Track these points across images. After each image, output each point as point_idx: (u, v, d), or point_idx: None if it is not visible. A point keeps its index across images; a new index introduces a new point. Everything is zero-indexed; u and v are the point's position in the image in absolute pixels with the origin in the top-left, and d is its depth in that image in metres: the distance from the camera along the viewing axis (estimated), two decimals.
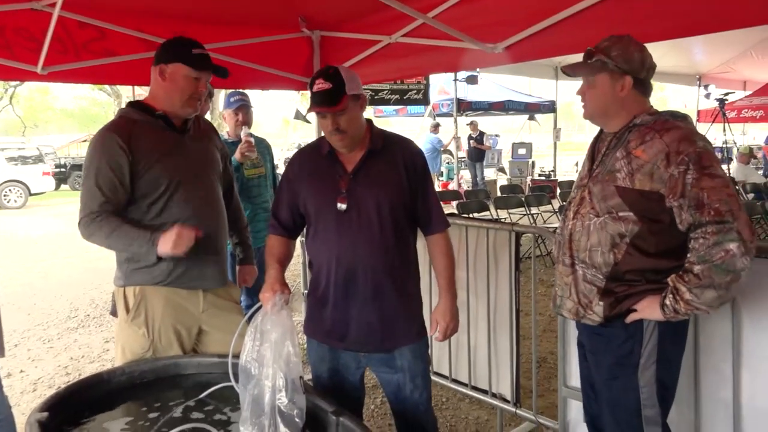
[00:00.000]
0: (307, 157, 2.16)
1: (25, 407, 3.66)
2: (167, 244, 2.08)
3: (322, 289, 2.09)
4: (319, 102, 1.94)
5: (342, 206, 1.99)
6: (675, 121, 1.86)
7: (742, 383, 2.17)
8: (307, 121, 12.43)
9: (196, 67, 2.20)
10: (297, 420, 1.73)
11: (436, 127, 14.19)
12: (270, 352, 1.78)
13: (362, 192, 2.00)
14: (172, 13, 3.37)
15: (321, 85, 1.91)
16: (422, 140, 13.48)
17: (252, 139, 3.61)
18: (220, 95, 7.79)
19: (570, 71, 2.01)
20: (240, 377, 1.81)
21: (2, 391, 2.57)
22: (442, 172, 15.68)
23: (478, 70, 10.67)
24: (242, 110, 3.69)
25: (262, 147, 3.86)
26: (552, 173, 13.76)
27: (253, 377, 1.78)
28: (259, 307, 1.94)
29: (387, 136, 2.10)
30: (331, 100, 1.91)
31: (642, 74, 1.92)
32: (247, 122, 3.71)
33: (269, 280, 2.05)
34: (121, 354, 2.28)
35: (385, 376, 2.14)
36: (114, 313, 2.40)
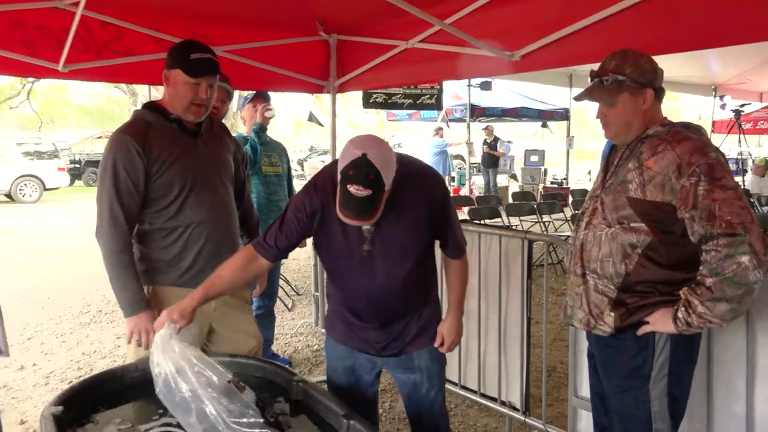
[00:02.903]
0: (329, 189, 1.93)
1: (37, 400, 3.69)
2: (133, 326, 2.21)
3: (341, 309, 2.11)
4: (356, 214, 1.76)
5: (366, 248, 1.94)
6: (688, 132, 1.85)
7: (755, 399, 2.16)
8: (320, 124, 12.46)
9: (192, 73, 2.20)
10: (256, 418, 1.65)
11: (438, 131, 14.26)
12: (187, 389, 1.67)
13: (386, 232, 1.93)
14: (191, 14, 3.41)
15: (358, 191, 1.71)
16: (429, 146, 13.52)
17: (270, 111, 3.69)
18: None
19: (588, 97, 1.98)
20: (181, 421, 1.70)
21: None
22: (453, 177, 15.67)
23: (492, 76, 10.64)
24: (258, 100, 3.74)
25: (279, 149, 3.91)
26: (564, 181, 13.70)
27: (184, 411, 1.67)
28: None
29: (406, 172, 1.92)
30: (368, 212, 1.76)
31: (657, 83, 1.92)
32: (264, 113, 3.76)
33: (176, 305, 1.95)
34: (134, 351, 2.31)
35: (402, 377, 2.15)
36: None
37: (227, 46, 3.45)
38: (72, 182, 19.96)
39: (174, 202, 2.25)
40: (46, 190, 17.13)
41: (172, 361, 1.73)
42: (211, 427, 1.63)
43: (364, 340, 2.08)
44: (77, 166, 21.50)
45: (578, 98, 2.03)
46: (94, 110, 39.66)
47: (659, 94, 1.93)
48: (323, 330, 4.73)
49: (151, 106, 2.33)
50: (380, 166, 1.72)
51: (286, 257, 2.15)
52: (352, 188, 1.72)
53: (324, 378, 3.98)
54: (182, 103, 2.24)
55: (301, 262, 7.42)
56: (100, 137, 28.60)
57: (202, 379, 1.68)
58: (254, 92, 3.86)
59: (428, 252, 2.07)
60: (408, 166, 1.96)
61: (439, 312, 2.18)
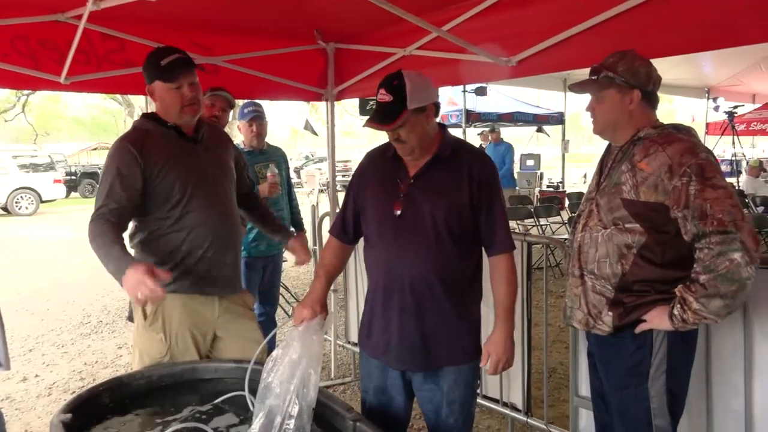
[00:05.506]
0: (375, 158, 2.10)
1: (41, 411, 3.71)
2: (129, 285, 1.97)
3: (372, 297, 2.06)
4: (374, 117, 1.87)
5: (397, 212, 1.93)
6: (678, 133, 1.89)
7: (753, 393, 2.19)
8: (315, 133, 12.48)
9: (170, 78, 2.22)
10: None
11: None
12: (293, 376, 1.76)
13: (419, 199, 1.92)
14: (191, 25, 3.45)
15: (382, 96, 1.85)
16: None
17: (277, 179, 3.70)
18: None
19: (578, 89, 2.05)
20: (259, 392, 1.78)
21: None
22: None
23: (490, 81, 10.71)
24: (256, 121, 3.72)
25: (278, 156, 3.92)
26: (560, 185, 13.74)
27: (272, 396, 1.75)
28: (274, 335, 1.96)
29: (458, 145, 2.00)
30: (386, 117, 1.84)
31: (649, 87, 1.96)
32: (261, 133, 3.75)
33: (311, 297, 2.02)
34: (139, 359, 2.32)
35: (427, 394, 2.03)
36: (131, 318, 2.45)
37: (227, 56, 3.49)
38: (68, 194, 19.94)
39: (176, 207, 2.27)
40: (42, 202, 17.12)
41: (299, 352, 1.81)
42: (269, 416, 1.72)
43: (388, 345, 1.99)
44: (73, 177, 21.51)
45: (571, 87, 2.09)
46: (89, 122, 39.68)
47: (652, 99, 1.98)
48: (329, 338, 4.76)
49: (149, 116, 2.37)
50: (410, 81, 1.84)
51: (360, 235, 2.14)
52: (379, 94, 1.87)
53: (327, 384, 4.03)
54: (174, 110, 2.27)
55: (301, 270, 7.43)
56: (95, 149, 28.60)
57: (304, 386, 1.78)
58: (251, 106, 3.79)
59: (464, 243, 1.96)
60: (463, 144, 2.06)
61: (477, 335, 2.06)
